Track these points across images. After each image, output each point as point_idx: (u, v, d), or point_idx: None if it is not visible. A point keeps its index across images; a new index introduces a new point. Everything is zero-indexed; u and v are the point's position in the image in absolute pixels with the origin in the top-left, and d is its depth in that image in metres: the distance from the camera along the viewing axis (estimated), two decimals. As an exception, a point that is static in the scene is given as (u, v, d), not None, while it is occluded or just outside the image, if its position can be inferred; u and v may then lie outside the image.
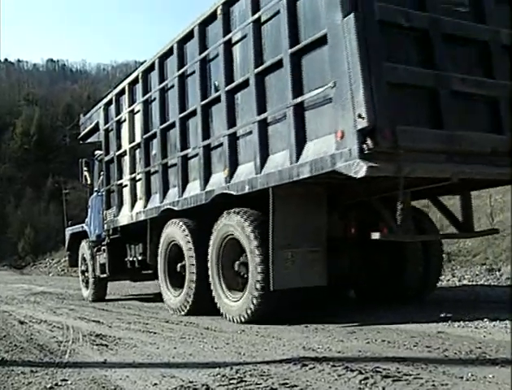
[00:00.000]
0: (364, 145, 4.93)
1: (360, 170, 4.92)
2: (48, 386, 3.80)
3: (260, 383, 3.57)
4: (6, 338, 6.19)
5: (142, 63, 9.22)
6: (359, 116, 4.94)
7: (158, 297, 9.45)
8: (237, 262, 6.74)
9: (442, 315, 6.05)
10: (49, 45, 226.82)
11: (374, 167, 4.90)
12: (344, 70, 5.11)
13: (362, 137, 4.95)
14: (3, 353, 5.19)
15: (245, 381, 3.65)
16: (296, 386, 3.46)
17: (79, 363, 4.59)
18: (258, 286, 6.20)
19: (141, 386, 3.71)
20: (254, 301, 6.29)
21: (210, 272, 7.10)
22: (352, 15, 5.07)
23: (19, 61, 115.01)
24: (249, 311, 6.41)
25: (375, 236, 5.98)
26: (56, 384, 3.85)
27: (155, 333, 6.07)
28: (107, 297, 11.83)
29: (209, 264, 7.11)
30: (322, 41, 5.46)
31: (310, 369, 3.90)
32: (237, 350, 4.82)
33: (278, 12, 6.01)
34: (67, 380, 3.96)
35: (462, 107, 5.76)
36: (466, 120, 5.75)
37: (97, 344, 5.47)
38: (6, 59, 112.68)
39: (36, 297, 13.21)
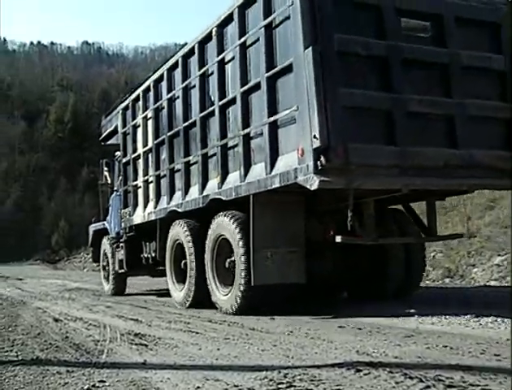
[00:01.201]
0: (318, 162, 6.08)
1: (314, 183, 6.10)
2: (85, 387, 3.87)
3: (311, 389, 3.56)
4: (41, 336, 6.34)
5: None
6: (314, 137, 6.08)
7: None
8: (228, 260, 7.84)
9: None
10: (84, 26, 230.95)
11: (326, 181, 6.08)
12: (304, 96, 6.28)
13: (317, 155, 6.09)
14: (38, 352, 5.32)
15: (295, 386, 3.64)
16: (350, 392, 3.45)
17: (117, 364, 4.67)
18: (243, 281, 7.35)
19: (183, 389, 3.74)
20: (240, 295, 7.46)
21: (206, 269, 8.34)
22: (310, 48, 6.22)
23: (52, 43, 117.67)
24: (235, 304, 7.59)
25: (338, 239, 7.07)
26: (93, 386, 3.91)
27: (197, 333, 6.13)
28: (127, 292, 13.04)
29: (205, 262, 8.33)
30: (289, 69, 6.63)
31: (365, 374, 3.86)
32: (285, 353, 4.82)
33: (258, 39, 7.21)
34: (104, 381, 4.02)
35: (417, 125, 6.79)
36: (420, 137, 6.77)
37: (135, 344, 5.55)
38: (39, 42, 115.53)
39: (71, 294, 13.51)
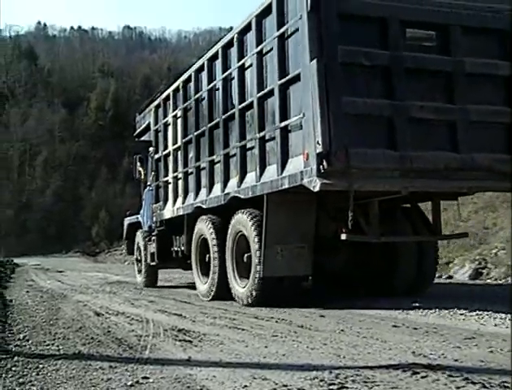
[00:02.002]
0: (321, 166, 6.80)
1: (316, 185, 6.85)
2: (128, 383, 3.93)
3: (364, 391, 3.54)
4: (82, 330, 6.46)
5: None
6: (317, 143, 6.82)
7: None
8: (246, 255, 8.57)
9: None
10: (125, 10, 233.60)
11: (327, 183, 6.81)
12: (310, 104, 7.01)
13: (320, 159, 6.81)
14: (80, 346, 5.43)
15: (347, 387, 3.63)
16: (406, 396, 3.41)
17: (160, 360, 4.72)
18: (257, 275, 8.12)
19: (230, 387, 3.76)
20: (254, 287, 8.26)
21: (226, 263, 9.17)
22: (315, 60, 6.94)
23: (93, 28, 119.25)
24: (251, 296, 8.38)
25: (343, 236, 7.71)
26: (137, 382, 3.97)
27: (243, 330, 6.16)
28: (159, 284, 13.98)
29: (226, 256, 9.16)
30: (298, 78, 7.37)
31: (422, 377, 3.81)
32: (336, 352, 4.80)
33: (272, 48, 7.96)
34: (148, 378, 4.08)
35: (418, 131, 7.40)
36: (421, 141, 7.38)
37: (179, 340, 5.61)
38: (79, 27, 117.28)
39: (112, 287, 13.75)
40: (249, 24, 8.59)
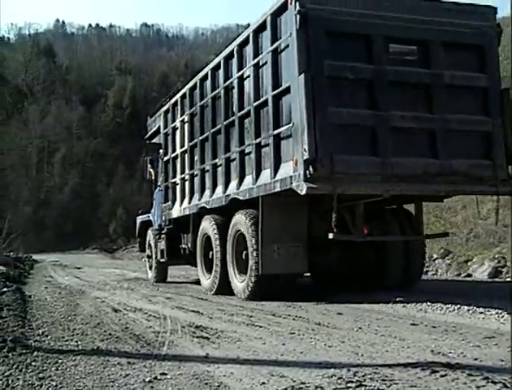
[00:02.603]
0: (307, 171, 7.48)
1: (303, 189, 7.53)
2: (147, 379, 3.95)
3: (382, 389, 3.52)
4: (100, 326, 6.51)
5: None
6: (304, 150, 7.51)
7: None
8: (244, 252, 9.19)
9: None
10: (143, 8, 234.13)
11: (313, 188, 7.49)
12: (298, 114, 7.70)
13: (306, 165, 7.50)
14: (98, 342, 5.47)
15: (365, 385, 3.62)
16: (425, 395, 3.39)
17: (178, 356, 4.75)
18: (254, 271, 8.79)
19: (248, 384, 3.77)
20: (251, 283, 8.90)
21: (227, 260, 9.81)
22: (303, 75, 7.60)
23: (111, 26, 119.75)
24: (248, 290, 9.04)
25: (330, 236, 8.16)
26: (155, 378, 3.99)
27: (261, 327, 6.17)
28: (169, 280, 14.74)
29: (227, 253, 9.82)
30: (288, 90, 8.05)
31: (442, 376, 3.79)
32: (354, 350, 4.79)
33: (267, 62, 8.64)
34: (166, 374, 4.10)
35: (399, 138, 8.07)
36: (402, 149, 8.07)
37: (197, 337, 5.63)
38: (97, 24, 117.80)
39: (130, 284, 13.83)
40: (248, 38, 9.27)
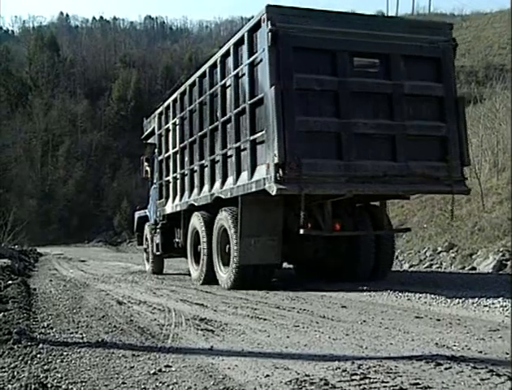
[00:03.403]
0: (277, 174, 8.32)
1: (273, 190, 8.37)
2: (151, 371, 3.96)
3: (387, 382, 3.51)
4: (105, 318, 6.53)
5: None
6: (275, 155, 8.32)
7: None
8: (227, 246, 9.95)
9: None
10: (147, 0, 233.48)
11: (282, 189, 8.34)
12: (270, 123, 8.51)
13: (276, 169, 8.33)
14: (103, 335, 5.49)
15: (369, 378, 3.61)
16: (430, 387, 3.38)
17: (183, 349, 4.76)
18: (235, 263, 9.53)
19: (252, 377, 3.77)
20: (233, 273, 9.65)
21: (213, 252, 10.58)
22: (273, 87, 8.41)
23: (115, 19, 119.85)
24: (230, 280, 9.77)
25: (301, 231, 9.02)
26: (160, 370, 3.99)
27: (265, 320, 6.17)
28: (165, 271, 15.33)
29: (212, 246, 10.57)
30: (261, 101, 8.81)
31: (446, 369, 3.79)
32: (358, 343, 4.79)
33: (245, 73, 9.36)
34: (170, 366, 4.10)
35: (362, 143, 8.86)
36: (364, 153, 8.85)
37: (201, 329, 5.64)
38: (101, 17, 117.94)
39: (134, 276, 13.86)
40: (229, 50, 9.97)
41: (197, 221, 11.40)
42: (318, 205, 9.58)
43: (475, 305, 6.94)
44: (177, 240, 13.25)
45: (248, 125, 9.25)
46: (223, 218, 10.09)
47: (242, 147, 9.55)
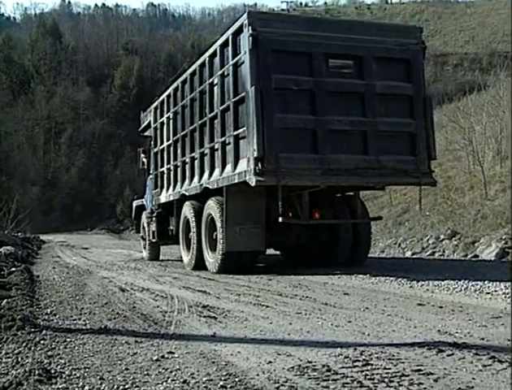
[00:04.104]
0: (256, 167, 9.01)
1: (253, 181, 9.06)
2: (154, 358, 3.97)
3: (389, 368, 3.52)
4: (108, 305, 6.54)
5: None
6: (254, 149, 9.01)
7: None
8: (215, 233, 10.58)
9: None
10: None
11: (261, 180, 9.03)
12: (250, 120, 9.17)
13: (256, 162, 9.02)
14: (106, 321, 5.50)
15: (372, 364, 3.63)
16: (432, 374, 3.39)
17: (185, 335, 4.77)
18: (221, 249, 10.17)
19: (255, 363, 3.78)
20: (219, 259, 10.32)
21: (202, 239, 11.25)
22: (253, 87, 9.09)
23: (117, 6, 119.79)
24: (217, 265, 10.46)
25: (280, 219, 9.65)
26: (162, 357, 4.01)
27: (267, 307, 6.18)
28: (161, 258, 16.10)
29: (201, 234, 11.25)
30: (243, 99, 9.44)
31: (448, 355, 3.80)
32: (361, 329, 4.81)
33: (229, 73, 9.99)
34: (173, 353, 4.11)
35: (336, 139, 9.54)
36: (337, 147, 9.54)
37: (204, 316, 5.65)
38: (103, 4, 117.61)
39: (137, 264, 13.89)
40: (216, 51, 10.61)
41: (187, 210, 12.07)
42: (297, 196, 10.24)
43: (477, 292, 6.94)
44: (171, 227, 13.74)
45: (232, 121, 9.92)
46: (211, 207, 10.73)
47: (227, 141, 10.17)
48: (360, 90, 9.84)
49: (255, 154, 9.01)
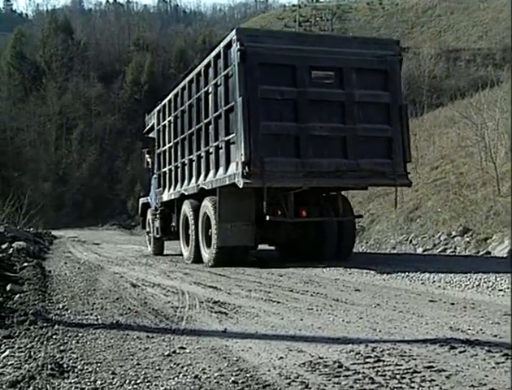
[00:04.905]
0: (243, 170, 9.83)
1: (240, 183, 9.90)
2: (166, 353, 3.99)
3: (401, 365, 3.52)
4: (119, 301, 6.57)
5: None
6: (241, 154, 9.86)
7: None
8: (210, 230, 11.40)
9: None
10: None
11: (248, 182, 9.86)
12: (238, 127, 10.02)
13: (243, 166, 9.85)
14: (117, 316, 5.52)
15: (383, 361, 3.62)
16: (443, 370, 3.38)
17: (197, 331, 4.78)
18: (215, 244, 11.01)
19: (266, 359, 3.79)
20: (214, 253, 11.12)
21: (199, 235, 12.11)
22: (241, 97, 9.93)
23: (128, 2, 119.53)
24: (212, 259, 11.22)
25: (267, 217, 10.55)
26: (174, 352, 4.02)
27: (278, 303, 6.19)
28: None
29: (198, 230, 12.10)
30: (233, 108, 10.32)
31: (460, 352, 3.78)
32: (372, 326, 4.80)
33: (221, 83, 10.86)
34: (185, 348, 4.13)
35: (317, 144, 10.35)
36: (319, 151, 10.34)
37: (215, 312, 5.67)
38: (115, 0, 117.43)
39: (148, 259, 13.95)
40: (210, 62, 11.45)
41: (186, 208, 12.92)
42: (284, 196, 11.02)
43: (489, 289, 6.92)
44: (174, 224, 14.61)
45: (223, 128, 10.77)
46: (207, 206, 11.55)
47: (220, 146, 11.02)
48: (340, 99, 10.64)
49: (242, 159, 9.83)
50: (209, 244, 11.54)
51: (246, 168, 9.82)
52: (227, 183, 10.50)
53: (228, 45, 10.56)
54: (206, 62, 11.80)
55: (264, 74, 10.23)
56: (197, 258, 12.14)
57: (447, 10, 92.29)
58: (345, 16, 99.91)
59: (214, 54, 11.30)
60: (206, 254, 11.69)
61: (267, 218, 10.58)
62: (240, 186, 9.95)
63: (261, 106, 10.12)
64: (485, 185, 17.37)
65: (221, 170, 10.86)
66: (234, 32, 10.37)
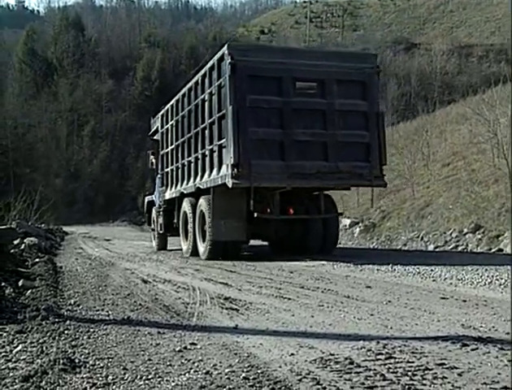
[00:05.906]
0: (233, 172, 10.88)
1: (230, 183, 10.95)
2: (177, 349, 3.99)
3: (412, 362, 3.50)
4: (131, 297, 6.59)
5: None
6: (231, 157, 10.91)
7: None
8: (205, 226, 12.45)
9: None
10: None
11: (236, 183, 10.91)
12: (229, 133, 11.10)
13: (232, 168, 10.91)
14: (129, 312, 5.54)
15: (395, 358, 3.61)
16: (456, 368, 3.36)
17: (208, 327, 4.79)
18: (209, 239, 12.09)
19: (277, 355, 3.78)
20: (208, 247, 12.22)
21: (196, 231, 13.11)
22: (231, 106, 11.01)
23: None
24: (206, 252, 12.34)
25: (255, 214, 11.58)
26: (185, 348, 4.03)
27: (289, 299, 6.19)
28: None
29: (195, 226, 13.12)
30: (224, 116, 11.42)
31: (473, 350, 3.77)
32: (383, 323, 4.79)
33: (215, 92, 12.02)
34: (196, 344, 4.13)
35: (300, 148, 11.46)
36: (302, 155, 11.44)
37: (226, 308, 5.68)
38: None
39: (159, 256, 14.00)
40: (206, 72, 12.63)
41: (186, 206, 13.97)
42: (271, 195, 12.05)
43: (502, 286, 6.89)
44: (175, 221, 15.47)
45: (217, 133, 11.85)
46: (202, 203, 12.59)
47: (214, 149, 12.10)
48: (322, 108, 11.74)
49: (232, 161, 10.89)
50: (204, 239, 12.55)
51: (235, 170, 10.86)
52: (220, 183, 11.51)
53: (221, 59, 11.67)
54: (202, 72, 12.95)
55: (252, 85, 11.33)
56: (195, 252, 13.19)
57: (459, 5, 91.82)
58: (357, 12, 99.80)
59: (209, 65, 12.44)
60: (202, 248, 12.71)
61: (255, 215, 11.59)
62: (230, 186, 10.98)
63: (249, 114, 11.21)
64: (497, 182, 17.30)
65: (215, 171, 11.93)
66: (226, 47, 11.53)
